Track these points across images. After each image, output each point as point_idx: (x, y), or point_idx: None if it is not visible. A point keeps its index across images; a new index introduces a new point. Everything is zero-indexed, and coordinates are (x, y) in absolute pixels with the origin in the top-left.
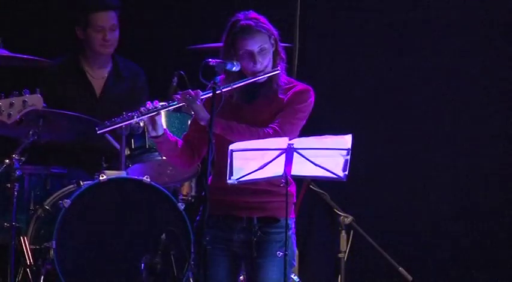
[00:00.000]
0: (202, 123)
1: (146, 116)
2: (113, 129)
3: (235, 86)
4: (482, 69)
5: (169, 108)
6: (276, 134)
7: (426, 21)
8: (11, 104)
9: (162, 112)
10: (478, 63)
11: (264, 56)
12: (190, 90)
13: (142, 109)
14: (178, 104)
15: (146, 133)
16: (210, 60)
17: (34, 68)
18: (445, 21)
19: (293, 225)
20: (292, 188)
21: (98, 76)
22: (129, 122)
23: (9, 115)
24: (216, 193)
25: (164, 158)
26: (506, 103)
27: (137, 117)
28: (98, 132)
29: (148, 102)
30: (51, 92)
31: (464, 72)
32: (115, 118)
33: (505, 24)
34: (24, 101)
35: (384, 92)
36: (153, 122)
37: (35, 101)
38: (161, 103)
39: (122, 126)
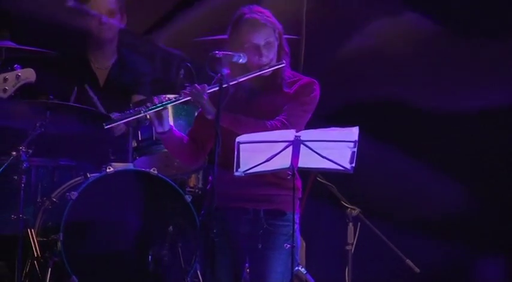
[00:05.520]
0: (209, 117)
1: (153, 110)
2: (120, 123)
3: (241, 80)
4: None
5: (176, 102)
6: (284, 127)
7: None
8: (5, 79)
9: (169, 106)
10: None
11: (270, 49)
12: (196, 84)
13: (149, 104)
14: (184, 98)
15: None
16: (216, 52)
17: (40, 59)
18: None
19: (298, 221)
20: (298, 182)
21: (102, 66)
22: (136, 117)
23: (5, 90)
24: (222, 185)
25: None
26: None
27: (144, 112)
28: (106, 127)
29: (155, 97)
30: (56, 82)
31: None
32: (122, 112)
33: None
34: (17, 76)
35: (392, 84)
36: (159, 117)
37: (28, 74)
38: (168, 96)
39: (129, 121)
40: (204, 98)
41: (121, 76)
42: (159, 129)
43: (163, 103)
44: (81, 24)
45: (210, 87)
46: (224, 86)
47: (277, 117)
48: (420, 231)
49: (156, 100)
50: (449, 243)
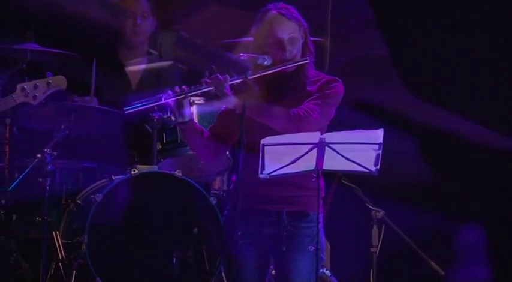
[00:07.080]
0: (230, 106)
1: (174, 98)
2: (140, 109)
3: (263, 74)
4: None
5: (198, 91)
6: (306, 115)
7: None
8: (36, 86)
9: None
10: None
11: (293, 45)
12: (218, 74)
13: (170, 92)
14: (206, 88)
15: (178, 127)
16: (241, 54)
17: (65, 61)
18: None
19: (321, 220)
20: (321, 181)
21: (135, 69)
22: (156, 103)
23: (35, 97)
24: (245, 187)
25: None
26: None
27: (165, 99)
28: (125, 112)
29: (177, 86)
30: (87, 83)
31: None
32: (142, 99)
33: None
34: (48, 83)
35: (415, 86)
36: (180, 106)
37: (59, 82)
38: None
39: (151, 107)
40: (226, 87)
41: (152, 80)
42: (180, 119)
43: (184, 91)
44: (115, 24)
45: (232, 78)
46: (245, 79)
47: (300, 106)
48: (399, 199)
49: (177, 89)
50: (430, 211)
